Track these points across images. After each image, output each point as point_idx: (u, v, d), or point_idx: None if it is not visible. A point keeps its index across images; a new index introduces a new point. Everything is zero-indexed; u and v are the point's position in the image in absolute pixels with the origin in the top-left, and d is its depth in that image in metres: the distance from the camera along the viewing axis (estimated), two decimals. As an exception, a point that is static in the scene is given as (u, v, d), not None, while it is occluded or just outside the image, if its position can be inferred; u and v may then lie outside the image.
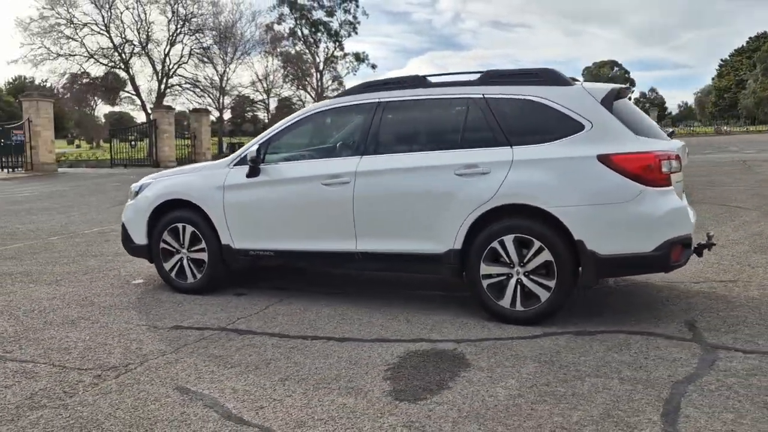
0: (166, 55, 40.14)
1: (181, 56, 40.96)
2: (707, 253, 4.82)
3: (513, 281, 4.32)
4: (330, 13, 54.42)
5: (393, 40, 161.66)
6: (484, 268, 4.37)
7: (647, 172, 4.09)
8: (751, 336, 3.99)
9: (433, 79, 4.88)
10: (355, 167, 4.77)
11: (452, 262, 4.46)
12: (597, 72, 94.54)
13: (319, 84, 54.89)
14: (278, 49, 51.79)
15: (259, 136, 5.40)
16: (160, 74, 39.88)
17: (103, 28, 37.49)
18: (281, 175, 5.06)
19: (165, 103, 37.92)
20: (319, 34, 54.60)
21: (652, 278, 5.43)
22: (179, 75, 41.36)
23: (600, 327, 4.24)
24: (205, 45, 40.95)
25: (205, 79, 42.81)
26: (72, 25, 36.69)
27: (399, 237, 4.64)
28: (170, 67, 40.54)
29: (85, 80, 40.68)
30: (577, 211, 4.15)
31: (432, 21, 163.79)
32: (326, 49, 55.14)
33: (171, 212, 5.45)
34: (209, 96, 43.51)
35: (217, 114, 45.19)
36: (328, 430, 2.91)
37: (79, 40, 37.28)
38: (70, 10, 36.43)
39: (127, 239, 5.76)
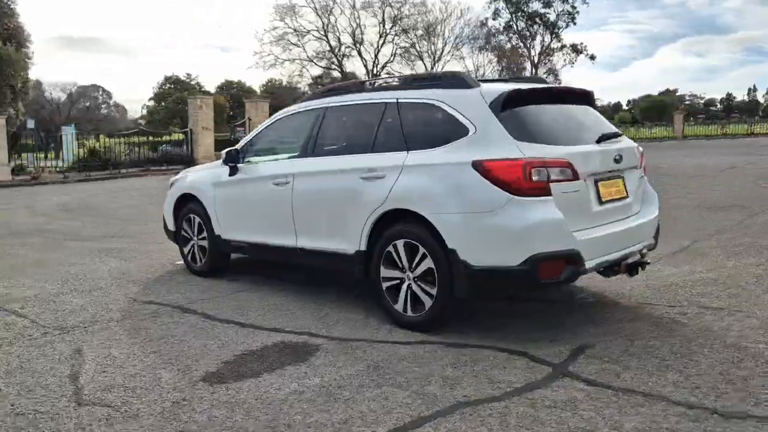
0: (376, 54, 42.99)
1: (393, 55, 43.48)
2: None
3: (405, 286, 4.35)
4: (547, 4, 52.89)
5: (641, 27, 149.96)
6: (383, 271, 4.46)
7: (515, 181, 3.82)
8: (620, 370, 3.56)
9: (371, 84, 5.05)
10: (294, 169, 5.15)
11: (359, 262, 4.62)
12: None
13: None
14: (491, 44, 51.90)
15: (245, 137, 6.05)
16: (370, 73, 42.80)
17: (323, 33, 41.50)
18: (249, 174, 5.65)
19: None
20: (535, 26, 53.40)
21: (620, 294, 4.93)
22: (388, 72, 43.90)
23: (480, 341, 4.08)
24: (412, 43, 42.80)
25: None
26: (297, 33, 41.25)
27: (324, 236, 4.91)
28: (378, 65, 43.30)
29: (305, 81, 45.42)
30: (450, 219, 4.04)
31: (686, 2, 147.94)
32: (542, 42, 53.74)
33: (187, 204, 6.36)
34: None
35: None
36: (127, 394, 3.44)
37: (302, 45, 41.79)
38: (297, 20, 40.95)
39: (165, 225, 6.83)
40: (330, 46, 42.24)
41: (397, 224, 4.34)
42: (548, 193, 3.85)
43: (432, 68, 45.21)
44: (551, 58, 54.60)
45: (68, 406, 3.31)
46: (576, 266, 3.88)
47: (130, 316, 4.97)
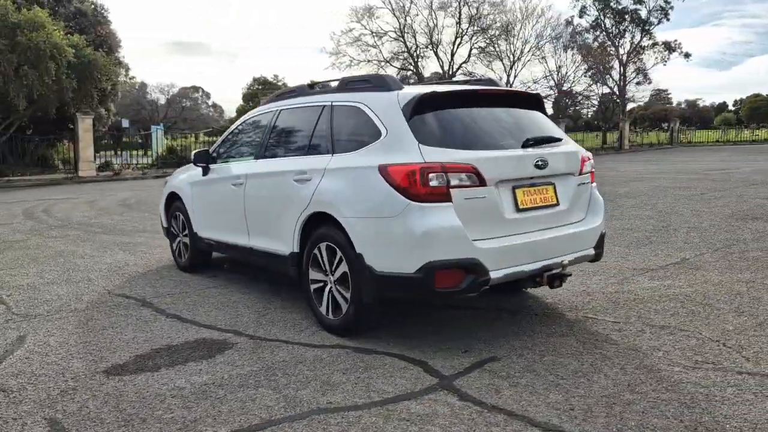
0: (452, 55, 42.68)
1: (469, 55, 43.02)
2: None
3: (327, 289, 4.35)
4: (639, 1, 50.40)
5: (761, 21, 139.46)
6: (311, 273, 4.49)
7: (412, 186, 3.72)
8: (506, 386, 3.40)
9: (312, 87, 5.08)
10: (248, 170, 5.27)
11: (293, 263, 4.67)
12: None
13: (622, 77, 51.36)
14: (577, 43, 50.13)
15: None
16: (446, 74, 42.53)
17: (399, 34, 41.67)
18: (217, 175, 5.83)
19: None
20: (625, 23, 51.03)
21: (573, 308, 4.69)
22: (463, 73, 43.44)
23: (390, 348, 4.02)
24: (490, 42, 42.14)
25: (495, 74, 44.05)
26: (373, 35, 41.67)
27: (268, 237, 4.99)
28: (454, 66, 42.94)
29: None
30: (358, 223, 4.01)
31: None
32: (632, 40, 51.25)
33: (174, 202, 6.64)
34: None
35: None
36: (29, 381, 3.67)
37: (378, 47, 42.17)
38: (374, 21, 41.40)
39: (161, 222, 7.16)
40: (406, 46, 42.37)
41: (321, 227, 4.35)
42: (447, 199, 3.72)
43: (511, 68, 44.34)
44: (641, 57, 51.98)
45: (-28, 387, 3.58)
46: (476, 276, 3.73)
47: (92, 307, 5.26)
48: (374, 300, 3.99)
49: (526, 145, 4.13)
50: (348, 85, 4.63)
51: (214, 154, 5.99)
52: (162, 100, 70.90)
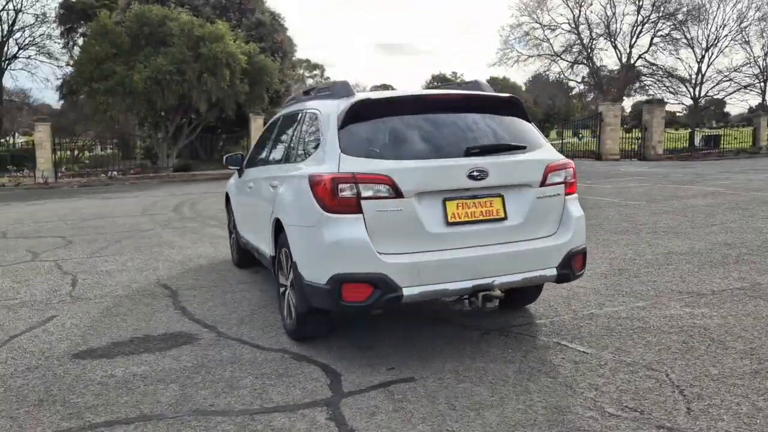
0: (632, 45, 39.46)
1: (651, 44, 39.49)
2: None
3: (286, 294, 4.45)
4: None
5: None
6: (279, 277, 4.61)
7: (326, 196, 3.65)
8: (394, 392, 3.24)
9: (305, 93, 5.16)
10: (255, 175, 5.53)
11: (272, 266, 4.83)
12: None
13: None
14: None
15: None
16: (624, 66, 39.49)
17: (573, 26, 39.56)
18: (243, 178, 6.16)
19: (629, 93, 37.54)
20: None
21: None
22: (644, 64, 39.99)
23: (320, 357, 4.03)
24: (675, 28, 38.24)
25: (682, 64, 40.00)
26: (544, 28, 40.05)
27: (262, 239, 5.20)
28: (633, 57, 39.67)
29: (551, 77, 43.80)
30: (292, 230, 4.06)
31: None
32: None
33: (228, 201, 7.16)
34: (679, 84, 40.33)
35: (689, 103, 41.49)
36: (15, 355, 4.28)
37: (548, 40, 40.44)
38: (546, 14, 39.84)
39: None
40: (580, 38, 40.10)
41: (282, 233, 4.44)
42: (358, 210, 3.60)
43: (703, 56, 39.82)
44: None
45: (-30, 357, 4.27)
46: (384, 292, 3.56)
47: (130, 295, 5.90)
48: (305, 309, 4.00)
49: (469, 153, 3.83)
50: (317, 92, 4.66)
51: (248, 158, 6.35)
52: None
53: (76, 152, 28.91)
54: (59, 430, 3.15)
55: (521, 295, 4.76)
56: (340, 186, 3.62)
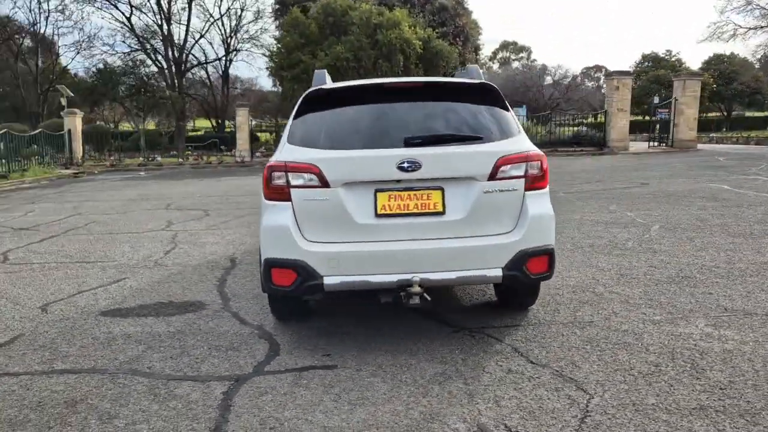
0: None
1: None
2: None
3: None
4: None
5: None
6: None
7: (264, 184, 3.80)
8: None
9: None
10: None
11: None
12: None
13: None
14: None
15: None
16: None
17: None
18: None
19: None
20: None
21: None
22: None
23: (277, 335, 4.21)
24: None
25: None
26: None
27: None
28: None
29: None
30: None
31: None
32: None
33: None
34: None
35: None
36: (55, 308, 5.14)
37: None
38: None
39: None
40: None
41: None
42: (287, 198, 3.69)
43: None
44: None
45: (32, 310, 5.20)
46: (305, 279, 3.62)
47: (197, 267, 6.59)
48: (265, 290, 4.19)
49: (408, 144, 3.69)
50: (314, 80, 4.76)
51: None
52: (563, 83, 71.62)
53: (274, 134, 32.05)
54: (28, 371, 3.78)
55: (512, 297, 4.47)
56: (274, 174, 3.75)
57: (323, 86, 4.13)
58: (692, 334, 3.95)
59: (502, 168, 3.71)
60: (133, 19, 38.91)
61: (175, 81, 39.10)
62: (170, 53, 39.06)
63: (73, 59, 45.36)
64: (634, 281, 5.26)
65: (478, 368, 3.56)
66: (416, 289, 3.57)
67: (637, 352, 3.71)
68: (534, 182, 3.78)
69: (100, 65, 39.87)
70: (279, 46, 27.75)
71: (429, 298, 3.68)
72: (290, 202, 3.72)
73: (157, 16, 38.68)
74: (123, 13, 41.20)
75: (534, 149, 3.86)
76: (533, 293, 4.43)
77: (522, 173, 3.75)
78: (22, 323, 4.72)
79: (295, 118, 4.02)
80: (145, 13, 41.85)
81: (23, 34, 46.79)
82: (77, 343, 4.24)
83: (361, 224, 3.67)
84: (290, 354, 3.91)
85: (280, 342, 4.14)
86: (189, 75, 43.38)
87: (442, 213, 3.69)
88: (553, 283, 5.15)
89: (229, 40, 43.75)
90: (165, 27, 38.44)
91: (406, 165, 3.62)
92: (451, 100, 4.03)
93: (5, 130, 21.76)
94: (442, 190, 3.69)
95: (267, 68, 30.24)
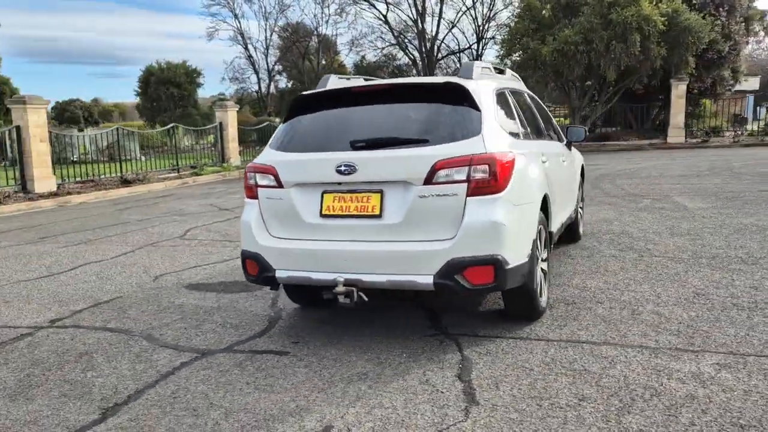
0: None
1: None
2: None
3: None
4: None
5: None
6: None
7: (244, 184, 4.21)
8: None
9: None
10: None
11: None
12: None
13: None
14: None
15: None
16: None
17: None
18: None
19: None
20: None
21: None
22: None
23: (278, 318, 4.62)
24: None
25: None
26: None
27: None
28: None
29: None
30: None
31: None
32: None
33: None
34: None
35: None
36: (127, 274, 6.25)
37: None
38: None
39: None
40: None
41: None
42: (255, 196, 4.05)
43: None
44: None
45: (148, 278, 6.40)
46: (262, 271, 3.95)
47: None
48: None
49: (354, 147, 3.75)
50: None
51: None
52: None
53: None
54: (87, 326, 4.78)
55: (508, 306, 4.21)
56: (248, 175, 4.16)
57: (303, 93, 4.37)
58: None
59: (440, 172, 3.55)
60: (390, 15, 41.91)
61: (427, 72, 41.13)
62: (422, 45, 41.22)
63: (346, 56, 49.65)
64: None
65: (400, 375, 3.52)
66: (341, 288, 3.66)
67: (581, 385, 3.27)
68: (479, 187, 3.54)
69: (357, 61, 43.88)
70: (508, 32, 27.44)
71: (366, 299, 3.74)
72: (257, 201, 4.09)
73: (412, 9, 41.11)
74: (380, 12, 44.67)
75: (495, 151, 3.60)
76: (528, 306, 4.11)
77: (464, 178, 3.54)
78: (131, 288, 5.88)
79: (283, 122, 4.35)
80: (401, 10, 44.68)
81: (309, 37, 53.66)
82: (142, 308, 5.18)
83: (308, 223, 3.88)
84: (270, 337, 4.29)
85: (276, 324, 4.54)
86: (441, 64, 45.23)
87: (380, 216, 3.69)
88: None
89: (480, 29, 44.41)
90: (419, 22, 40.69)
91: (343, 168, 3.72)
92: (417, 101, 3.96)
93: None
94: (382, 193, 3.70)
95: (497, 56, 30.09)
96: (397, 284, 3.68)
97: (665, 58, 23.48)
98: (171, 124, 22.06)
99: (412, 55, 42.27)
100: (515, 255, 3.66)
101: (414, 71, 42.51)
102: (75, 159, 19.37)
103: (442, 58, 44.01)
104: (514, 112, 4.48)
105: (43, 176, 15.18)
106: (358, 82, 4.50)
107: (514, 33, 25.88)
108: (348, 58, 50.48)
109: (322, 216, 3.86)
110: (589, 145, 24.00)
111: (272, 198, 4.01)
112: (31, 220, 11.44)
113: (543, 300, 4.32)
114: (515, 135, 4.22)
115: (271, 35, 50.56)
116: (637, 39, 22.43)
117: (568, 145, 6.27)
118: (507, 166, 3.61)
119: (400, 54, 43.14)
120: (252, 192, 4.14)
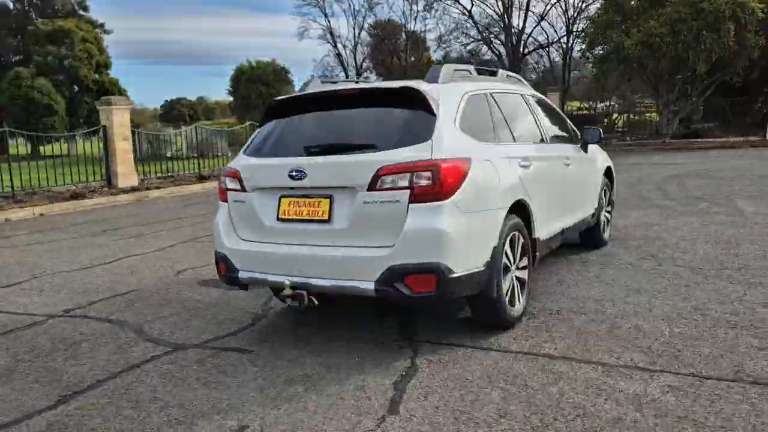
0: None
1: None
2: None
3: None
4: None
5: None
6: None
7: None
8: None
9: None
10: None
11: None
12: None
13: None
14: None
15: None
16: None
17: None
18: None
19: None
20: None
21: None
22: None
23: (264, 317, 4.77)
24: None
25: None
26: None
27: None
28: None
29: None
30: None
31: None
32: None
33: None
34: None
35: None
36: (152, 268, 6.58)
37: None
38: None
39: None
40: None
41: None
42: (225, 199, 4.19)
43: None
44: None
45: (169, 273, 6.75)
46: (228, 271, 4.09)
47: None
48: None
49: (309, 152, 3.80)
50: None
51: None
52: None
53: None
54: (93, 316, 5.13)
55: (472, 311, 4.14)
56: (221, 179, 4.32)
57: (276, 98, 4.46)
58: None
59: (384, 178, 3.54)
60: (475, 10, 41.41)
61: (513, 67, 40.29)
62: (509, 40, 40.39)
63: (434, 52, 49.52)
64: None
65: (340, 380, 3.55)
66: (287, 291, 3.74)
67: (531, 407, 3.17)
68: (422, 194, 3.49)
69: (440, 57, 43.68)
70: (591, 24, 26.35)
71: (316, 302, 3.79)
72: (227, 204, 4.24)
73: (498, 3, 40.39)
74: (463, 7, 44.13)
75: (443, 158, 3.54)
76: (491, 314, 4.01)
77: (406, 184, 3.51)
78: (150, 281, 6.24)
79: (259, 125, 4.48)
80: (487, 5, 43.97)
81: (398, 34, 53.98)
82: (150, 302, 5.49)
83: (267, 226, 3.98)
84: (245, 334, 4.43)
85: (258, 323, 4.68)
86: (527, 59, 44.16)
87: (329, 221, 3.74)
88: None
89: (570, 21, 42.93)
90: (505, 16, 39.92)
91: (294, 173, 3.79)
92: (379, 106, 3.95)
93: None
94: (331, 198, 3.74)
95: (579, 50, 28.97)
96: (342, 289, 3.71)
97: (764, 48, 21.75)
98: (248, 122, 22.96)
99: (497, 50, 41.52)
100: (464, 263, 3.59)
101: (500, 67, 41.77)
102: (169, 155, 20.71)
103: (529, 53, 42.94)
104: (491, 115, 4.36)
105: (126, 172, 16.28)
106: (339, 86, 4.54)
107: (598, 25, 24.83)
108: (436, 55, 50.26)
109: (279, 220, 3.95)
110: (674, 143, 22.71)
111: (238, 201, 4.16)
112: (105, 213, 12.34)
113: (517, 309, 4.20)
114: (486, 139, 4.12)
115: (359, 33, 51.27)
116: (731, 28, 20.92)
117: (584, 147, 6.01)
118: (454, 173, 3.54)
119: (485, 49, 42.47)
120: (224, 195, 4.30)
